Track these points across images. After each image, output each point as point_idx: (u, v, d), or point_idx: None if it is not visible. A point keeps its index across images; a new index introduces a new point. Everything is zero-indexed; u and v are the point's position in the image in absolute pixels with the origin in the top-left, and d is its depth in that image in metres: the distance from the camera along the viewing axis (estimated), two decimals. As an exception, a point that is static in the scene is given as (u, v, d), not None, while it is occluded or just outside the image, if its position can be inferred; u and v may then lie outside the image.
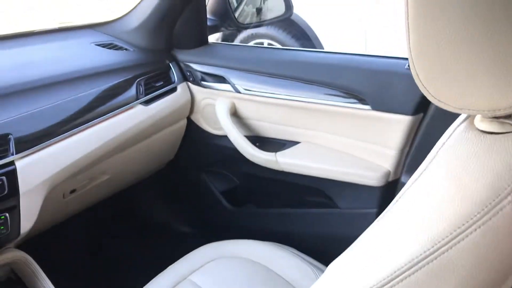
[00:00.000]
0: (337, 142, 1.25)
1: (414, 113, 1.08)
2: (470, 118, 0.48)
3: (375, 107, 1.12)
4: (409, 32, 0.44)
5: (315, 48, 3.12)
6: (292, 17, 3.22)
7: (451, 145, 0.47)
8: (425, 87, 0.45)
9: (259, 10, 1.84)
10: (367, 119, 1.15)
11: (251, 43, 3.35)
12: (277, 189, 1.46)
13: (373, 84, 1.12)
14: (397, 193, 1.18)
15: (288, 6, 1.56)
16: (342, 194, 1.27)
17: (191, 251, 1.23)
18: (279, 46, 3.25)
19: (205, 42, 1.51)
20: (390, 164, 1.16)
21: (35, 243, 1.28)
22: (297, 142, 1.33)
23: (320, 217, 1.34)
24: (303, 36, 3.20)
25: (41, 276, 1.08)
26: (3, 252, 1.07)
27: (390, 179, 1.18)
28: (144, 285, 1.10)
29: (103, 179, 1.37)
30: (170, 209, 1.87)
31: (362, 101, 1.14)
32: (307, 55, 1.29)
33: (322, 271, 1.11)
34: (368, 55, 1.20)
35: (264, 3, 1.90)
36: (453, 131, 0.48)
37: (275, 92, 1.29)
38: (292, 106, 1.27)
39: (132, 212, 1.90)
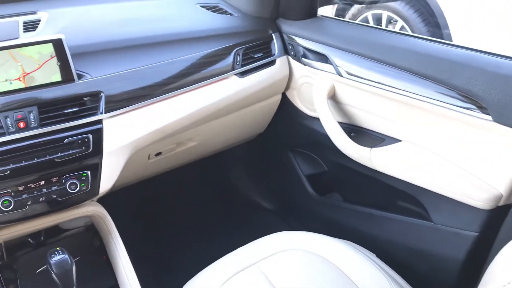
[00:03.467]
0: (444, 150, 1.08)
1: None
2: None
3: (498, 119, 0.94)
4: None
5: (439, 27, 2.81)
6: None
7: None
8: None
9: (380, -18, 1.66)
10: (485, 131, 0.97)
11: (368, 14, 3.12)
12: (367, 186, 1.33)
13: (499, 91, 0.93)
14: (507, 220, 0.99)
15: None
16: (439, 208, 1.12)
17: (266, 227, 1.16)
18: (399, 20, 2.98)
19: (313, 14, 1.40)
20: (504, 187, 0.98)
21: (117, 197, 1.31)
22: (397, 140, 1.19)
23: (410, 227, 1.20)
24: (428, 12, 2.90)
25: (114, 235, 1.11)
26: (85, 205, 1.10)
27: (501, 203, 1.01)
28: (214, 257, 1.08)
29: (190, 145, 1.35)
30: (254, 181, 1.83)
31: (482, 109, 0.96)
32: (424, 44, 1.11)
33: (399, 285, 1.00)
34: (498, 55, 0.99)
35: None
36: None
37: (381, 81, 1.14)
38: (398, 100, 1.12)
39: (216, 179, 1.89)
